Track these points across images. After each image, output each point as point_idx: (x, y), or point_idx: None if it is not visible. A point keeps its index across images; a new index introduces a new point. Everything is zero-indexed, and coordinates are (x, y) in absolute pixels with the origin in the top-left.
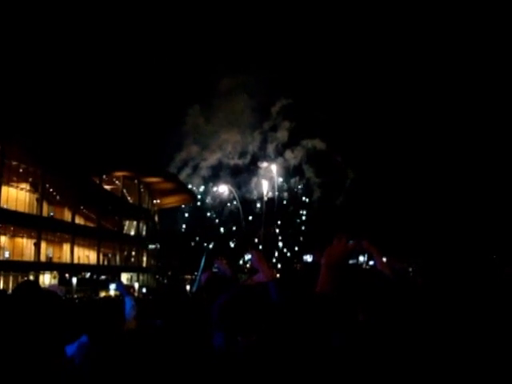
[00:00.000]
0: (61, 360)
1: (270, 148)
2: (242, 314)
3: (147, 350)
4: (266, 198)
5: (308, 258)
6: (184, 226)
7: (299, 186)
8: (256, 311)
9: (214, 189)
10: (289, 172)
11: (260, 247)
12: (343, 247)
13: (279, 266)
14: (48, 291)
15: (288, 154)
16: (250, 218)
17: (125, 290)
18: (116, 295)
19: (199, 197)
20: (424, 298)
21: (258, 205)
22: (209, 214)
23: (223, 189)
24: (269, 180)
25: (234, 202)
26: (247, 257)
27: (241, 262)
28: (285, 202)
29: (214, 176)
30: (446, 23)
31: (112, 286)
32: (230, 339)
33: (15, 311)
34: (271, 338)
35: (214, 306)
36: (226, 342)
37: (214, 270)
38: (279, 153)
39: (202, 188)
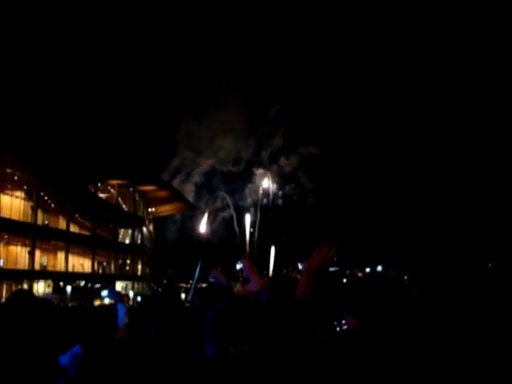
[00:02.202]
0: (54, 370)
1: (265, 154)
2: (233, 326)
3: (139, 361)
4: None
5: (302, 266)
6: (178, 234)
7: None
8: (248, 322)
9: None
10: (284, 179)
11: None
12: (324, 255)
13: (271, 274)
14: (42, 300)
15: (283, 160)
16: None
17: (117, 296)
18: (110, 303)
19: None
20: (419, 308)
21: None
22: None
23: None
24: (263, 187)
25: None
26: (238, 266)
27: (237, 267)
28: (279, 208)
29: (208, 183)
30: (440, 22)
31: (104, 293)
32: (223, 350)
33: (8, 320)
34: (264, 348)
35: (206, 317)
36: (218, 353)
37: (211, 279)
38: (274, 159)
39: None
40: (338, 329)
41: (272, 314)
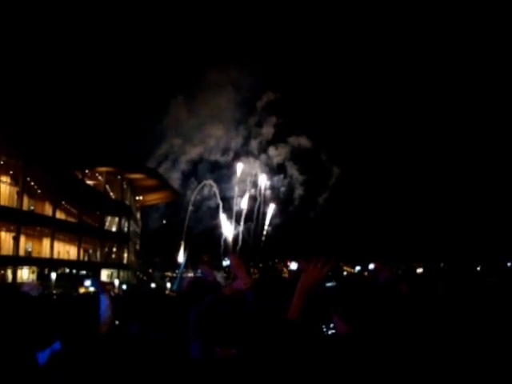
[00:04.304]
0: (32, 368)
1: (254, 144)
2: (218, 324)
3: (121, 360)
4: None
5: (293, 265)
6: (164, 222)
7: (281, 185)
8: (233, 321)
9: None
10: (272, 169)
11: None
12: (319, 271)
13: (259, 269)
14: (22, 295)
15: (272, 150)
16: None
17: (100, 286)
18: (95, 292)
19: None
20: (408, 306)
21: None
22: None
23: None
24: (251, 177)
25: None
26: (225, 262)
27: (224, 264)
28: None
29: (194, 171)
30: (432, 21)
31: (87, 283)
32: (207, 350)
33: None
34: (251, 352)
35: (190, 314)
36: (203, 352)
37: (198, 274)
38: (263, 149)
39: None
40: (325, 332)
41: (258, 315)
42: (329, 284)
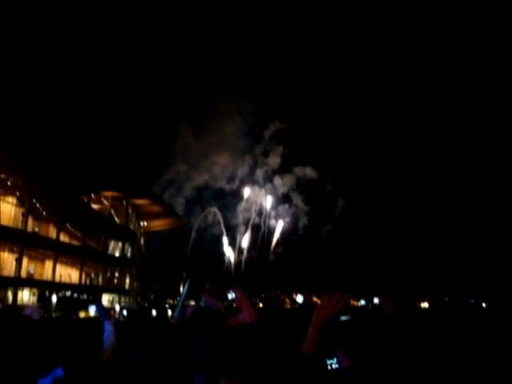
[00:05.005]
0: None
1: (260, 173)
2: (223, 357)
3: None
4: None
5: (299, 298)
6: (168, 248)
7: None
8: (238, 354)
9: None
10: (278, 199)
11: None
12: (335, 304)
13: (262, 303)
14: (24, 318)
15: (277, 180)
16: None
17: (104, 313)
18: (96, 316)
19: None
20: (413, 342)
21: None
22: (193, 236)
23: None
24: (256, 206)
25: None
26: (230, 295)
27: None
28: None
29: (199, 198)
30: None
31: (91, 309)
32: (212, 382)
33: None
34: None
35: (195, 344)
36: (207, 383)
37: (201, 303)
38: (269, 179)
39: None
40: (329, 367)
41: (264, 348)
42: (343, 318)
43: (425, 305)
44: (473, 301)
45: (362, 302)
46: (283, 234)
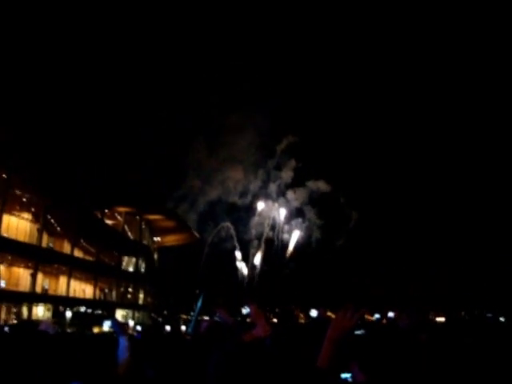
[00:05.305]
0: None
1: (273, 187)
2: (237, 372)
3: None
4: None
5: (313, 312)
6: (181, 263)
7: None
8: (253, 368)
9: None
10: (291, 213)
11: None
12: (350, 319)
13: (276, 318)
14: (40, 333)
15: (290, 194)
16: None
17: (120, 328)
18: (110, 331)
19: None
20: (428, 355)
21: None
22: (206, 251)
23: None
24: (269, 220)
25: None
26: (245, 310)
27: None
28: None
29: (212, 212)
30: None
31: (107, 324)
32: None
33: (7, 355)
34: None
35: (211, 359)
36: None
37: (216, 318)
38: (282, 193)
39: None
40: (344, 381)
41: (278, 362)
42: (358, 332)
43: (441, 319)
44: (490, 315)
45: (377, 316)
46: (297, 246)
